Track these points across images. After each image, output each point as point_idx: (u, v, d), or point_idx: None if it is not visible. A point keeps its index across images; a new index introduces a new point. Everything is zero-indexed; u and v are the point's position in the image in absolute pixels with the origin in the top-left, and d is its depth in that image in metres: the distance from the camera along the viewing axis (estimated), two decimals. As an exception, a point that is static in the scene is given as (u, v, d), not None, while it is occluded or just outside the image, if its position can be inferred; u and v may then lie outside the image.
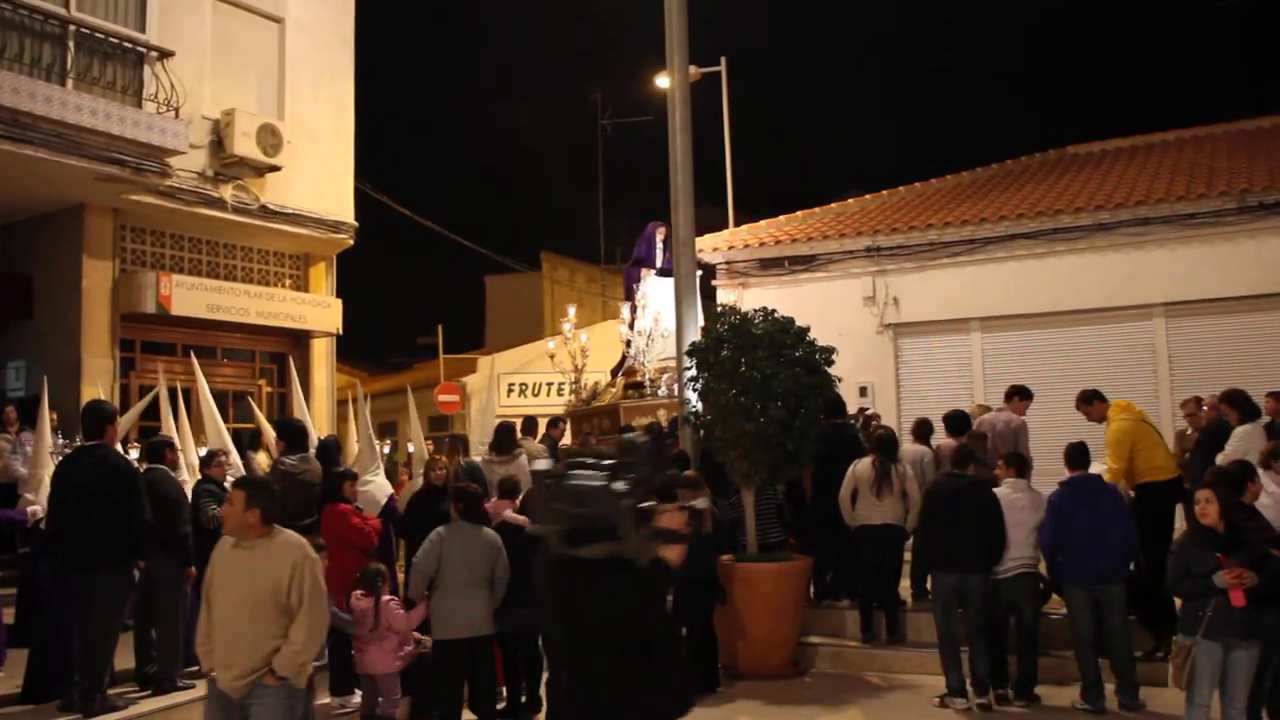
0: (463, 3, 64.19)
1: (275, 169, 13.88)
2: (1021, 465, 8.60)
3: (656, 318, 13.88)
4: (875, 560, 9.73)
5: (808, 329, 10.02)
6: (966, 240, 14.64)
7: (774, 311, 10.23)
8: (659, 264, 14.42)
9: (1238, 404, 9.58)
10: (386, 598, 7.91)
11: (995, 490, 8.45)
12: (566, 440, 13.91)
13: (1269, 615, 6.63)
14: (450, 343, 24.19)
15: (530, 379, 22.35)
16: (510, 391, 21.63)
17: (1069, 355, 14.24)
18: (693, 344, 10.45)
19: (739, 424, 9.56)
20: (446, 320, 23.23)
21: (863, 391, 14.53)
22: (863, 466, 9.81)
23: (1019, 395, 11.09)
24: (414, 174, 55.17)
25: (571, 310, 17.29)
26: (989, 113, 51.32)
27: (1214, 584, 6.39)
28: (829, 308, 14.75)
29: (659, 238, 14.44)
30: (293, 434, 9.49)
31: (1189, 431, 11.46)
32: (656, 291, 14.07)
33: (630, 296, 14.59)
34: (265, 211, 14.04)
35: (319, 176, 14.85)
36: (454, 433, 12.17)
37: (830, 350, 9.91)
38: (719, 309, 10.24)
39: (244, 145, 13.34)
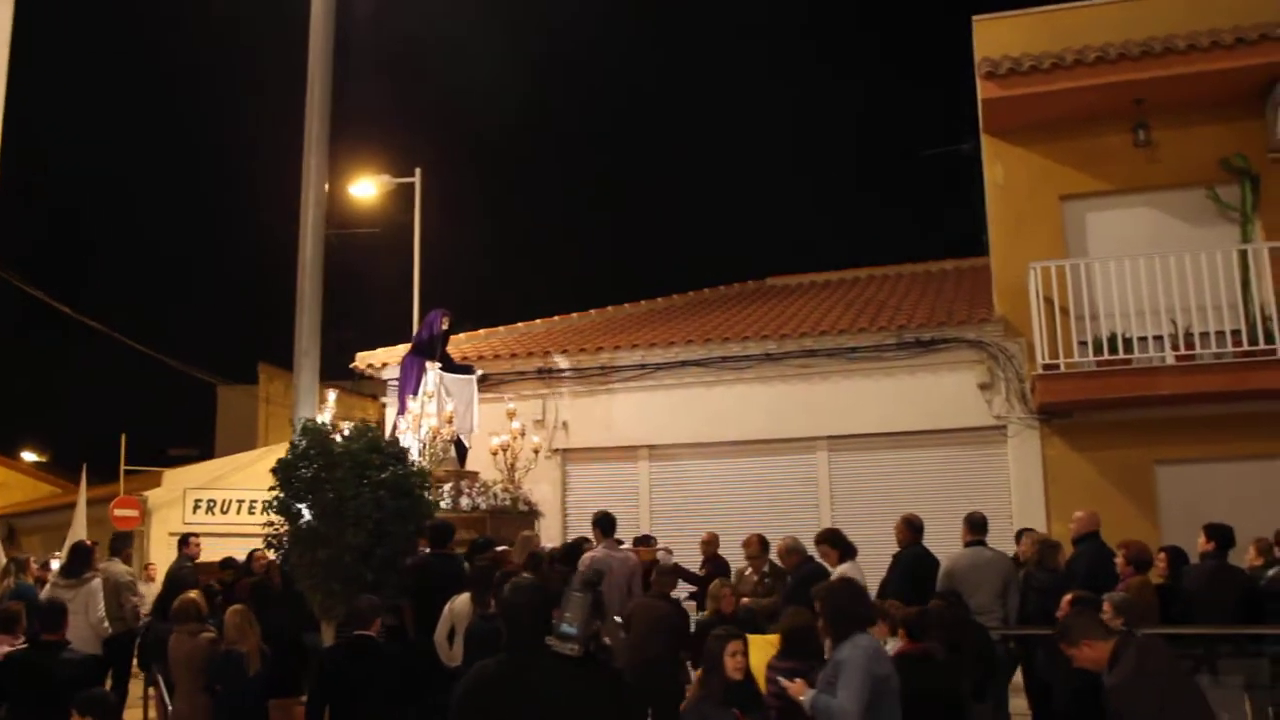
0: (173, 107, 62.63)
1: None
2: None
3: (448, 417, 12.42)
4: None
5: (406, 450, 9.36)
6: (638, 365, 14.36)
7: (374, 428, 9.54)
8: (437, 355, 12.90)
9: (837, 544, 9.40)
10: None
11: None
12: None
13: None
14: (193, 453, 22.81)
15: (220, 495, 20.88)
16: (197, 508, 20.15)
17: (736, 486, 14.02)
18: (279, 460, 9.62)
19: (313, 550, 8.75)
20: (186, 431, 21.92)
21: (527, 517, 13.89)
22: (461, 603, 9.04)
23: (599, 527, 10.36)
24: (149, 281, 53.72)
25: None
26: (697, 241, 52.50)
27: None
28: (502, 429, 14.20)
29: (442, 325, 13.05)
30: None
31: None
32: (443, 385, 12.71)
33: (408, 389, 12.79)
34: None
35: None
36: (15, 555, 10.94)
37: (425, 474, 9.25)
38: (302, 423, 9.42)
39: None
